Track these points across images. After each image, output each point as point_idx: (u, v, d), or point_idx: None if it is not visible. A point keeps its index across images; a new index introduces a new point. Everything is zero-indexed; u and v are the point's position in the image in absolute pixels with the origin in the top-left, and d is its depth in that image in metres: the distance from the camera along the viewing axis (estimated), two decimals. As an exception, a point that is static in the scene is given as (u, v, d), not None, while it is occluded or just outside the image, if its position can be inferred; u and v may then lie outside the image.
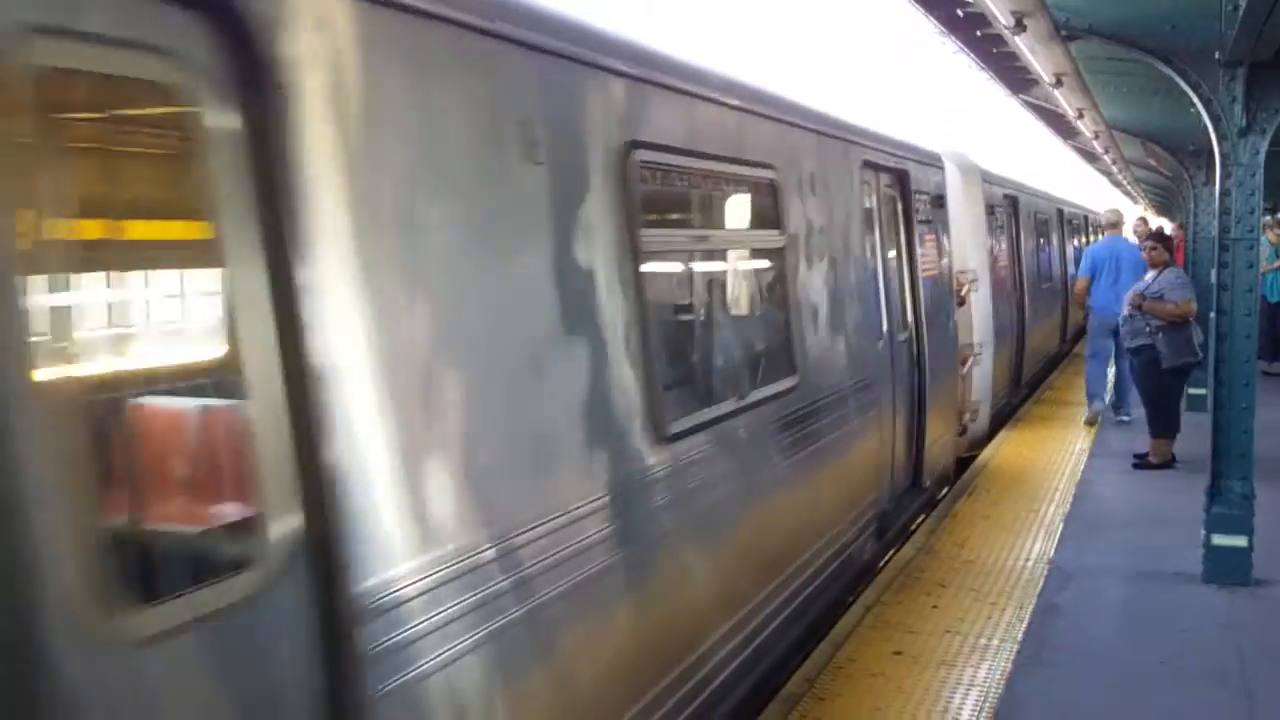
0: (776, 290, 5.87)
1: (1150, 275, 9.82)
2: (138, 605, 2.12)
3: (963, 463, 10.23)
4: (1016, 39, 7.59)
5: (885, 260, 7.77)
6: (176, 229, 2.60)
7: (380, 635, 2.60)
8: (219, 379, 2.56)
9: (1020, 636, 5.89)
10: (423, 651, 2.74)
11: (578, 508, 3.52)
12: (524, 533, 3.22)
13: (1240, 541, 6.62)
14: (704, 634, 4.43)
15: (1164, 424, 9.83)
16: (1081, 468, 9.95)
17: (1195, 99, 6.67)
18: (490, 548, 3.07)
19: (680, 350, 5.30)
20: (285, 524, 2.41)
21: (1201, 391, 10.72)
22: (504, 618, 3.07)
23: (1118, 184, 30.03)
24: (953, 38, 10.23)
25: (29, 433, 1.91)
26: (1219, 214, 6.75)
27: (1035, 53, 8.20)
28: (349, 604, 2.51)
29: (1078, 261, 15.05)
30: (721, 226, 5.61)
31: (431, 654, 2.77)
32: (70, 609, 1.94)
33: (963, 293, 10.61)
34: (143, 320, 2.50)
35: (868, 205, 7.41)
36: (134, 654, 2.04)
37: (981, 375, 11.31)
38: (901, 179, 8.19)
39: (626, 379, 3.93)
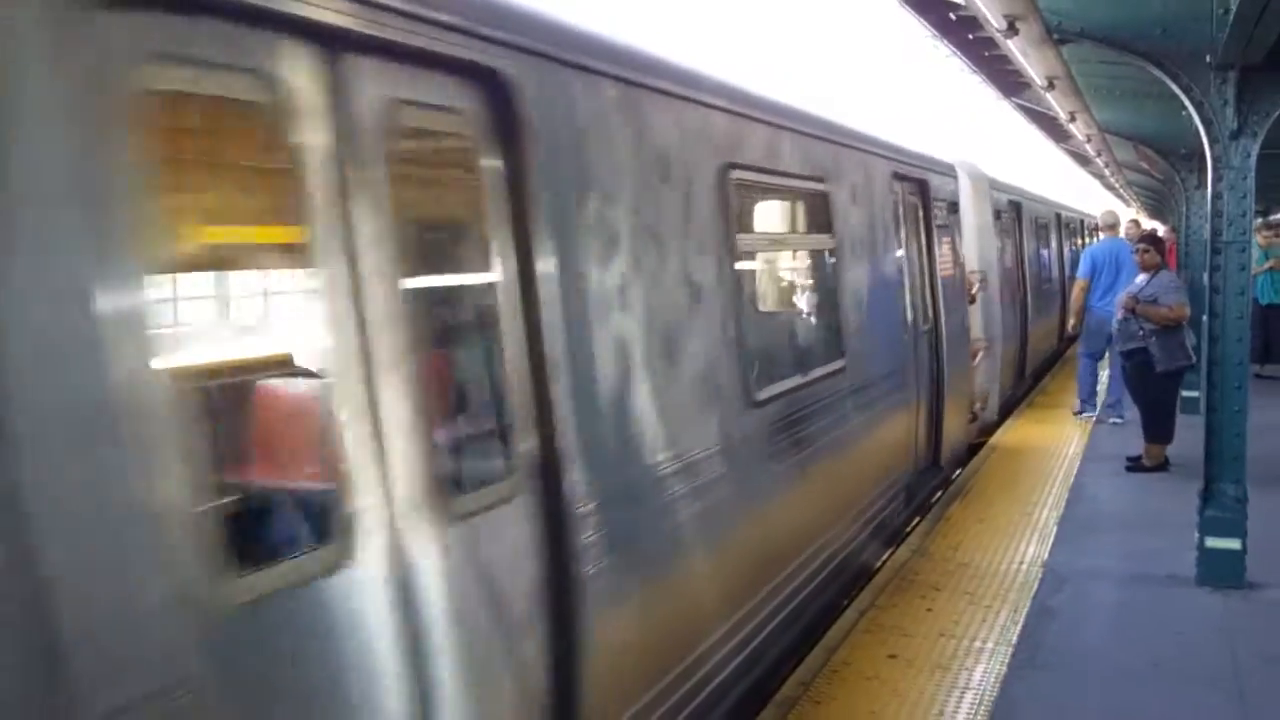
0: (828, 285, 6.88)
1: (1143, 278, 9.75)
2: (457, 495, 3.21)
3: (973, 448, 10.87)
4: (1008, 42, 7.59)
5: (910, 260, 8.65)
6: (471, 233, 3.62)
7: (587, 531, 3.69)
8: (491, 340, 3.56)
9: (1015, 639, 5.90)
10: (613, 544, 3.83)
11: (699, 451, 4.68)
12: (671, 465, 4.39)
13: (1233, 544, 6.63)
14: (788, 552, 5.73)
15: (1159, 430, 9.82)
16: (1075, 470, 9.96)
17: (1187, 102, 6.69)
18: (650, 475, 4.24)
19: (761, 334, 6.48)
20: (528, 447, 3.53)
21: (1194, 394, 10.78)
22: (662, 523, 4.34)
23: (1110, 187, 30.09)
24: (945, 41, 10.24)
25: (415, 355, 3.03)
26: (1211, 217, 6.76)
27: (1027, 56, 8.21)
28: (567, 509, 3.59)
29: (1075, 263, 15.40)
30: (789, 230, 7.02)
31: (617, 547, 3.87)
32: (427, 491, 3.02)
33: (973, 291, 11.38)
34: (457, 296, 3.77)
35: (897, 212, 8.29)
36: (461, 525, 3.16)
37: (990, 367, 12.16)
38: (923, 188, 9.14)
39: (728, 355, 5.04)
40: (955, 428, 9.72)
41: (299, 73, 2.71)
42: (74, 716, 2.06)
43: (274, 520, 3.15)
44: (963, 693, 5.23)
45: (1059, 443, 11.32)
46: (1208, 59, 6.42)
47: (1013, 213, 14.64)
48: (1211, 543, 6.68)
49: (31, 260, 2.03)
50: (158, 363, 2.30)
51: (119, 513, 2.17)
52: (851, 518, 6.84)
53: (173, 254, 3.34)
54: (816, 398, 6.23)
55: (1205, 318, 6.84)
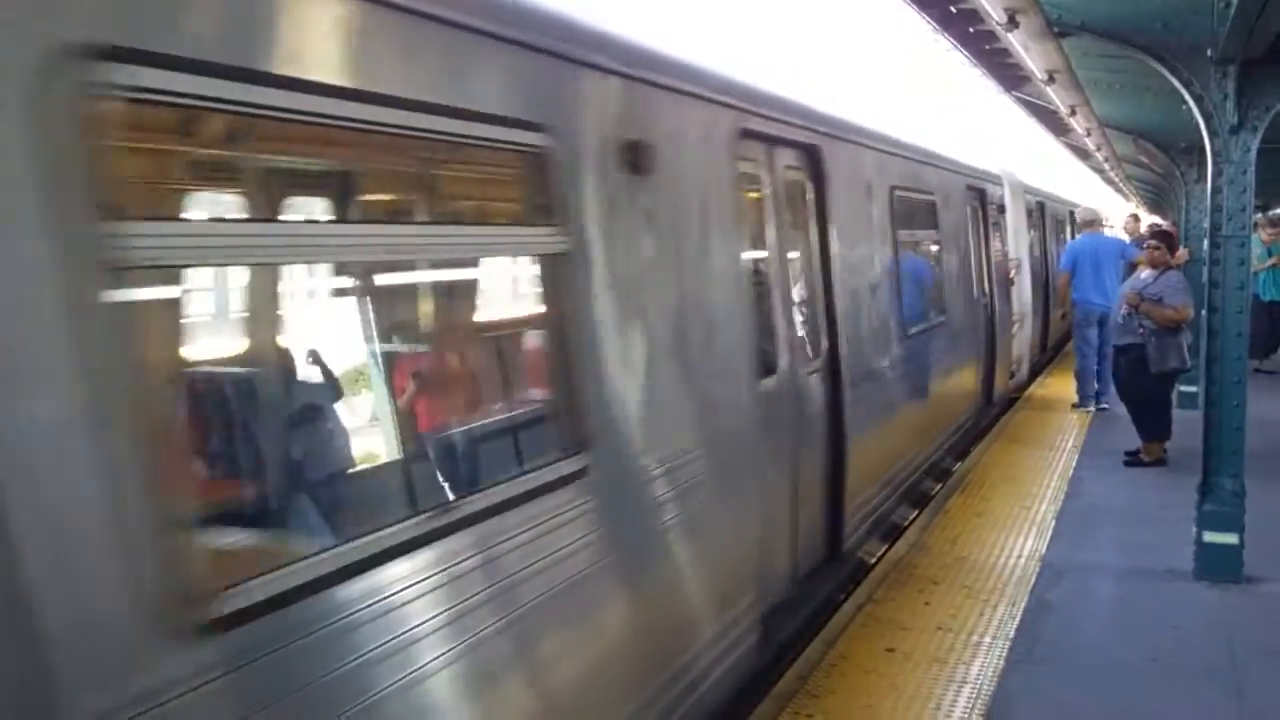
0: (932, 267, 10.23)
1: (1148, 274, 9.67)
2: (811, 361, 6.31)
3: (1010, 402, 13.59)
4: (1009, 36, 7.58)
5: (974, 249, 11.75)
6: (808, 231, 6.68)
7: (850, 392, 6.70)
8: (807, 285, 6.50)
9: (1012, 633, 5.90)
10: (856, 392, 6.79)
11: (888, 359, 7.79)
12: (884, 361, 7.77)
13: (1231, 538, 6.64)
14: (902, 455, 8.40)
15: (1154, 428, 9.80)
16: (1073, 465, 9.96)
17: (1187, 96, 6.67)
18: (874, 360, 7.32)
19: (913, 291, 9.17)
20: (824, 346, 6.67)
21: (1193, 389, 10.78)
22: (877, 386, 7.34)
23: (1110, 181, 30.07)
24: (945, 34, 10.22)
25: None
26: (1210, 211, 6.75)
27: (1028, 49, 8.20)
28: (842, 371, 6.73)
29: None
30: (918, 228, 9.66)
31: (857, 391, 6.85)
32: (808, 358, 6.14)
33: (1012, 275, 13.75)
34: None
35: (964, 213, 11.39)
36: (812, 377, 6.40)
37: (1022, 338, 14.58)
38: (982, 195, 12.36)
39: (892, 300, 8.18)
40: (1000, 378, 12.79)
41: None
42: None
43: None
44: (960, 687, 5.24)
45: (1053, 441, 11.32)
46: (1208, 53, 6.40)
47: (1039, 211, 17.67)
48: (1209, 537, 6.68)
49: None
50: None
51: None
52: (944, 431, 10.11)
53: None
54: (929, 343, 9.33)
55: (1204, 312, 6.83)
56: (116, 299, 2.19)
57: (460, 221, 4.40)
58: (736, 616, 4.93)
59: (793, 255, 6.43)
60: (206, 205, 3.90)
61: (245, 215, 3.97)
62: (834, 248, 6.70)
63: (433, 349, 4.61)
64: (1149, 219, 25.84)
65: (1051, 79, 9.49)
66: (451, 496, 3.74)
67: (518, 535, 3.33)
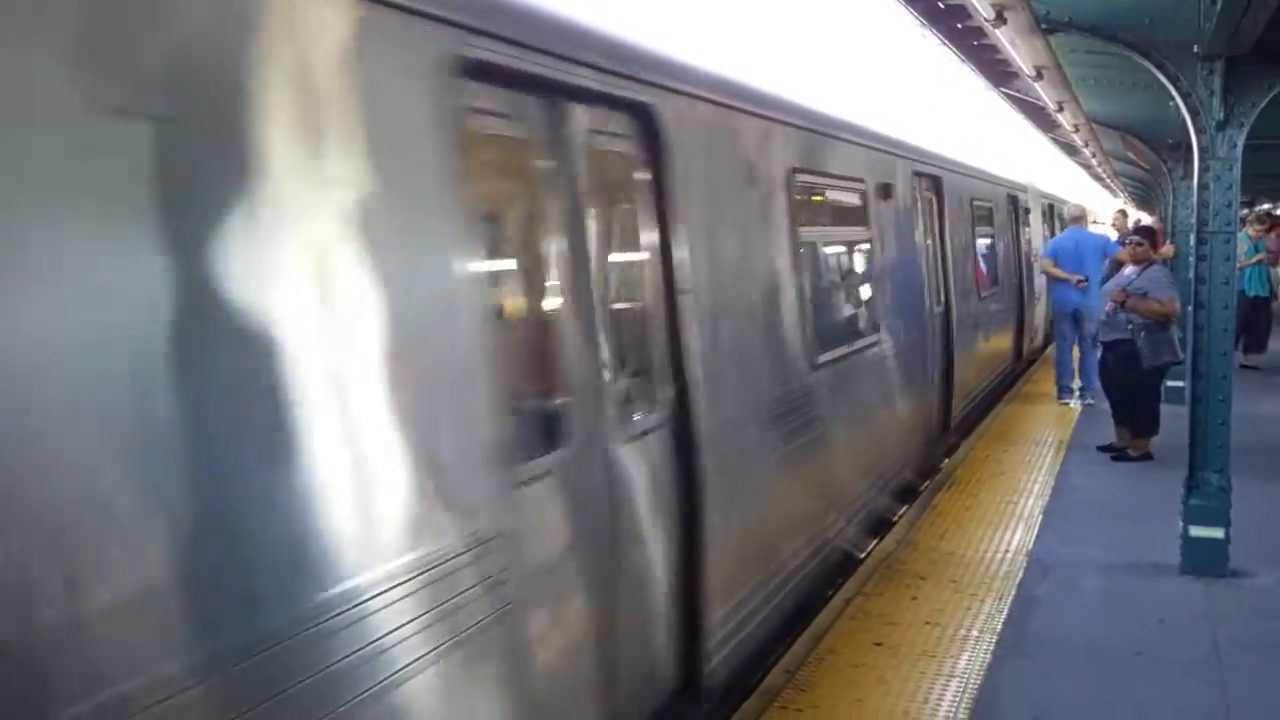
0: (995, 255, 14.02)
1: (1131, 270, 9.72)
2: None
3: (1029, 362, 16.77)
4: (997, 31, 7.58)
5: (1012, 243, 15.44)
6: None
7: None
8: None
9: (999, 627, 5.92)
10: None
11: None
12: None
13: (1217, 533, 6.67)
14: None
15: (1143, 423, 9.84)
16: (1060, 460, 10.00)
17: (1174, 92, 6.69)
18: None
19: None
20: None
21: (1179, 384, 10.82)
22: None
23: (1098, 177, 30.16)
24: (933, 30, 10.23)
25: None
26: (1197, 207, 6.77)
27: (1015, 45, 8.20)
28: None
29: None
30: (983, 227, 13.05)
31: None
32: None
33: (1033, 262, 16.68)
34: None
35: (1007, 215, 15.21)
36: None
37: (1039, 313, 17.41)
38: (1016, 202, 16.08)
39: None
40: (1028, 338, 16.56)
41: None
42: None
43: None
44: (948, 680, 5.26)
45: (1039, 436, 11.35)
46: (1195, 49, 6.42)
47: (1050, 211, 20.68)
48: (1195, 531, 6.71)
49: None
50: None
51: None
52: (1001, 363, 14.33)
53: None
54: (986, 306, 12.99)
55: (1190, 308, 6.85)
56: None
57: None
58: None
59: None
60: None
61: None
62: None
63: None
64: (1136, 214, 25.98)
65: (1039, 75, 9.50)
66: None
67: None
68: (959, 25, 9.89)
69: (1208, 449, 6.72)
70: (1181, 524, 6.77)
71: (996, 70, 12.06)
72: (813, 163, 6.83)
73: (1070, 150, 22.38)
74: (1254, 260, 15.64)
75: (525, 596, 3.43)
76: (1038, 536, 7.60)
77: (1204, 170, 6.64)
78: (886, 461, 8.28)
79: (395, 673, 2.82)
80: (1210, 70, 6.48)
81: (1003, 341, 14.44)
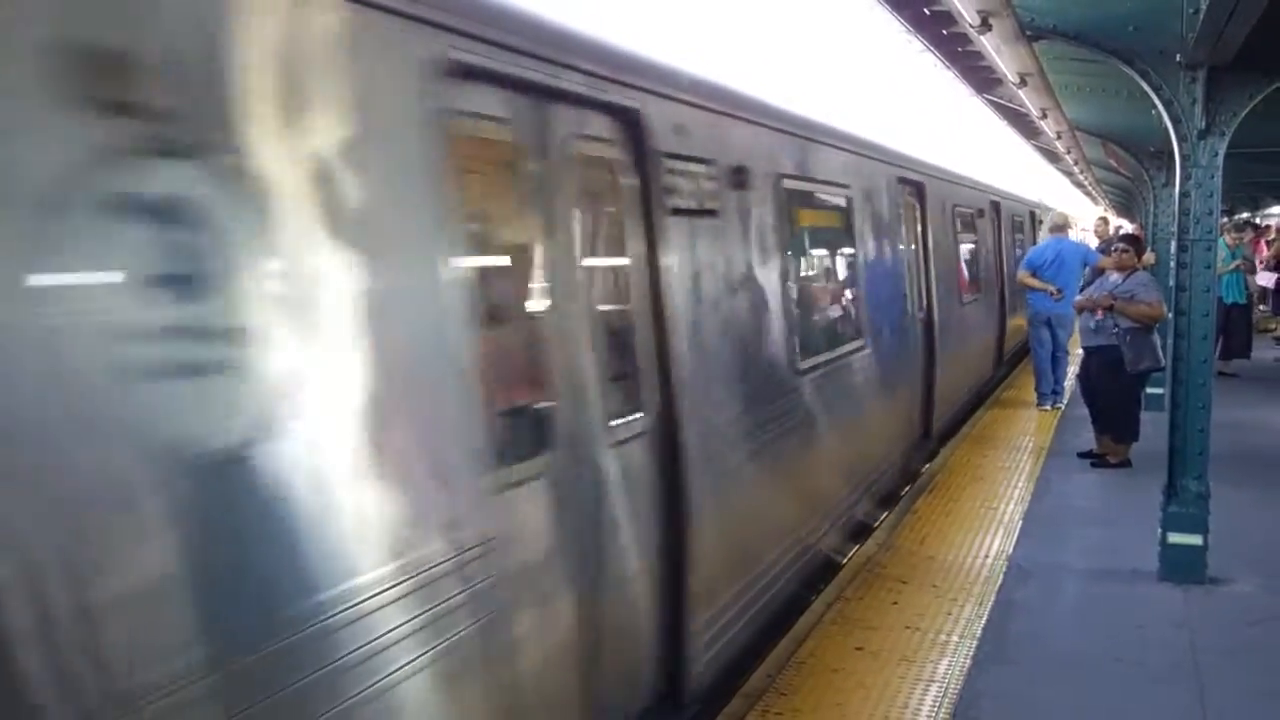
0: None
1: (1117, 277, 9.77)
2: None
3: (1011, 366, 17.07)
4: (981, 38, 7.61)
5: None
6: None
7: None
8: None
9: (979, 632, 5.93)
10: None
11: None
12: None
13: (1195, 540, 6.70)
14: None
15: (1124, 429, 9.88)
16: (1040, 466, 10.03)
17: (1156, 100, 6.73)
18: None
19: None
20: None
21: (1159, 391, 10.88)
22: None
23: (1079, 184, 30.32)
24: (919, 36, 10.24)
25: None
26: (1178, 215, 6.80)
27: (1000, 52, 8.23)
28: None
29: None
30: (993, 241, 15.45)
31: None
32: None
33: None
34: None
35: (1025, 228, 18.63)
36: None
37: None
38: (1033, 217, 19.66)
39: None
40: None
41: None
42: None
43: None
44: (928, 685, 5.26)
45: (1019, 442, 11.39)
46: (1177, 58, 6.46)
47: (1031, 219, 22.52)
48: (1174, 538, 6.74)
49: None
50: None
51: None
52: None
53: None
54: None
55: (1171, 315, 6.89)
56: None
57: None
58: None
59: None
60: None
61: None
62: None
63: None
64: (1117, 222, 26.14)
65: (1023, 82, 9.53)
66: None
67: None
68: (944, 32, 9.91)
69: (1187, 456, 6.75)
70: (1160, 530, 6.80)
71: (980, 77, 12.09)
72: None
73: (1052, 157, 22.50)
74: (1231, 267, 15.77)
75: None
76: (1017, 542, 7.62)
77: (1185, 178, 6.67)
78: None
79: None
80: (1192, 79, 6.52)
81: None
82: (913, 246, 10.35)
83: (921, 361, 10.40)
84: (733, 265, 5.57)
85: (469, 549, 3.20)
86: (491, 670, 3.36)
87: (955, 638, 5.86)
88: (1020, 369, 16.82)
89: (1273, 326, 20.45)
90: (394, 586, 2.89)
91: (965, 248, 13.52)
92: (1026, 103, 11.27)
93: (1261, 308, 20.10)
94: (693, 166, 5.08)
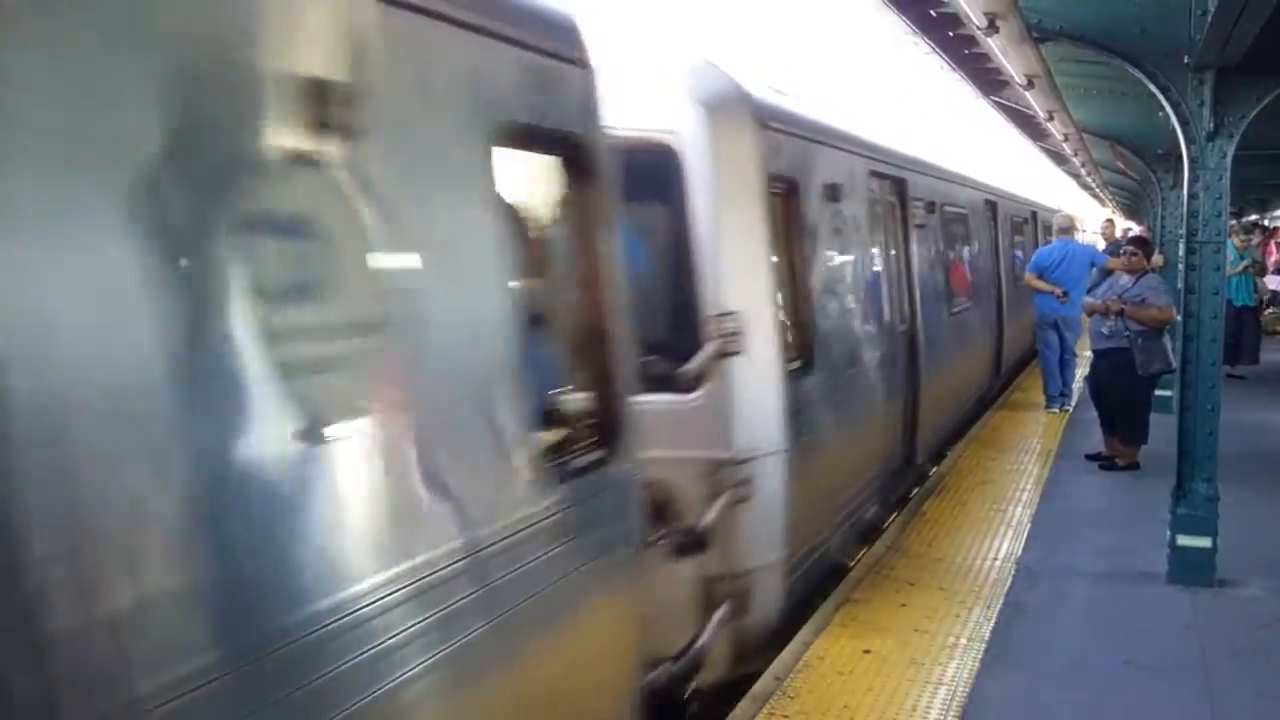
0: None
1: (1127, 279, 9.76)
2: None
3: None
4: (989, 40, 7.61)
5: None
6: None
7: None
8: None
9: (988, 635, 5.92)
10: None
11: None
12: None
13: (1204, 542, 6.69)
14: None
15: (1134, 432, 9.86)
16: (1048, 468, 10.02)
17: (1164, 102, 6.72)
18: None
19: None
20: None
21: (1167, 393, 10.85)
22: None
23: (1086, 186, 30.28)
24: (925, 38, 10.25)
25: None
26: (1186, 217, 6.80)
27: (1007, 54, 8.23)
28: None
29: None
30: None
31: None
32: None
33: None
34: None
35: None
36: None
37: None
38: (1035, 218, 19.54)
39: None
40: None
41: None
42: None
43: None
44: (936, 688, 5.25)
45: (1028, 444, 11.38)
46: (1185, 59, 6.45)
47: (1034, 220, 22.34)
48: (1183, 540, 6.73)
49: None
50: None
51: None
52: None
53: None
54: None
55: (1180, 318, 6.88)
56: None
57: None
58: None
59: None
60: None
61: None
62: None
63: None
64: (1125, 224, 26.10)
65: (1030, 84, 9.53)
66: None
67: None
68: (951, 34, 9.91)
69: (1196, 458, 6.73)
70: (1169, 533, 6.78)
71: (987, 79, 12.09)
72: None
73: (1059, 159, 22.48)
74: (1240, 269, 15.72)
75: None
76: (1026, 544, 7.61)
77: (1194, 180, 6.67)
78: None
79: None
80: (1200, 81, 6.51)
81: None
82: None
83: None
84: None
85: None
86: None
87: (964, 640, 5.85)
88: (1027, 371, 16.81)
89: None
90: None
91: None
92: (1033, 104, 11.27)
93: (1269, 311, 20.03)
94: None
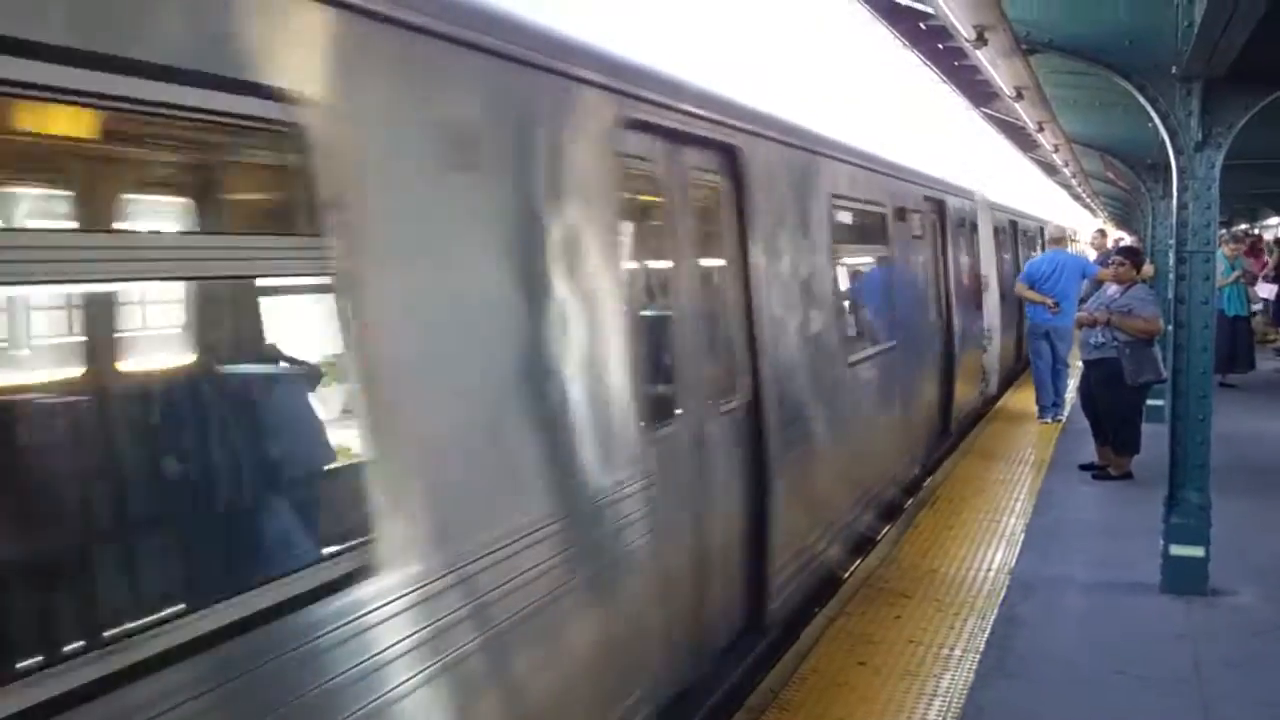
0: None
1: (1115, 289, 9.79)
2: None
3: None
4: (977, 52, 7.63)
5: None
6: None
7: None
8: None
9: (982, 646, 5.92)
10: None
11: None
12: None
13: (1197, 552, 6.69)
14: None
15: (1125, 442, 9.87)
16: (1041, 479, 10.03)
17: (1153, 113, 6.75)
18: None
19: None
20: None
21: (1159, 403, 10.89)
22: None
23: (1077, 197, 30.39)
24: (915, 51, 10.30)
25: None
26: (1176, 227, 6.82)
27: (996, 66, 8.25)
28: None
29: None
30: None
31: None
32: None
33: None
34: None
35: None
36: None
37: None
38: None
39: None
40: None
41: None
42: None
43: None
44: (931, 699, 5.25)
45: (1021, 455, 11.39)
46: (1173, 70, 6.48)
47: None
48: (1176, 550, 6.73)
49: None
50: None
51: None
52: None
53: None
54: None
55: (1170, 327, 6.89)
56: None
57: None
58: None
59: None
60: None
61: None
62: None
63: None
64: (1116, 234, 26.19)
65: (1020, 95, 9.56)
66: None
67: None
68: (940, 46, 9.96)
69: (1188, 468, 6.75)
70: (1162, 542, 6.79)
71: (977, 90, 12.14)
72: None
73: (1050, 170, 22.56)
74: (1231, 279, 15.75)
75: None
76: (1020, 555, 7.61)
77: (1183, 190, 6.69)
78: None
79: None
80: (1188, 91, 6.55)
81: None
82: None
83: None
84: None
85: None
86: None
87: (958, 651, 5.85)
88: (1020, 381, 16.84)
89: (1272, 337, 20.47)
90: None
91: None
92: (1023, 116, 11.30)
93: (1258, 320, 20.08)
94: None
